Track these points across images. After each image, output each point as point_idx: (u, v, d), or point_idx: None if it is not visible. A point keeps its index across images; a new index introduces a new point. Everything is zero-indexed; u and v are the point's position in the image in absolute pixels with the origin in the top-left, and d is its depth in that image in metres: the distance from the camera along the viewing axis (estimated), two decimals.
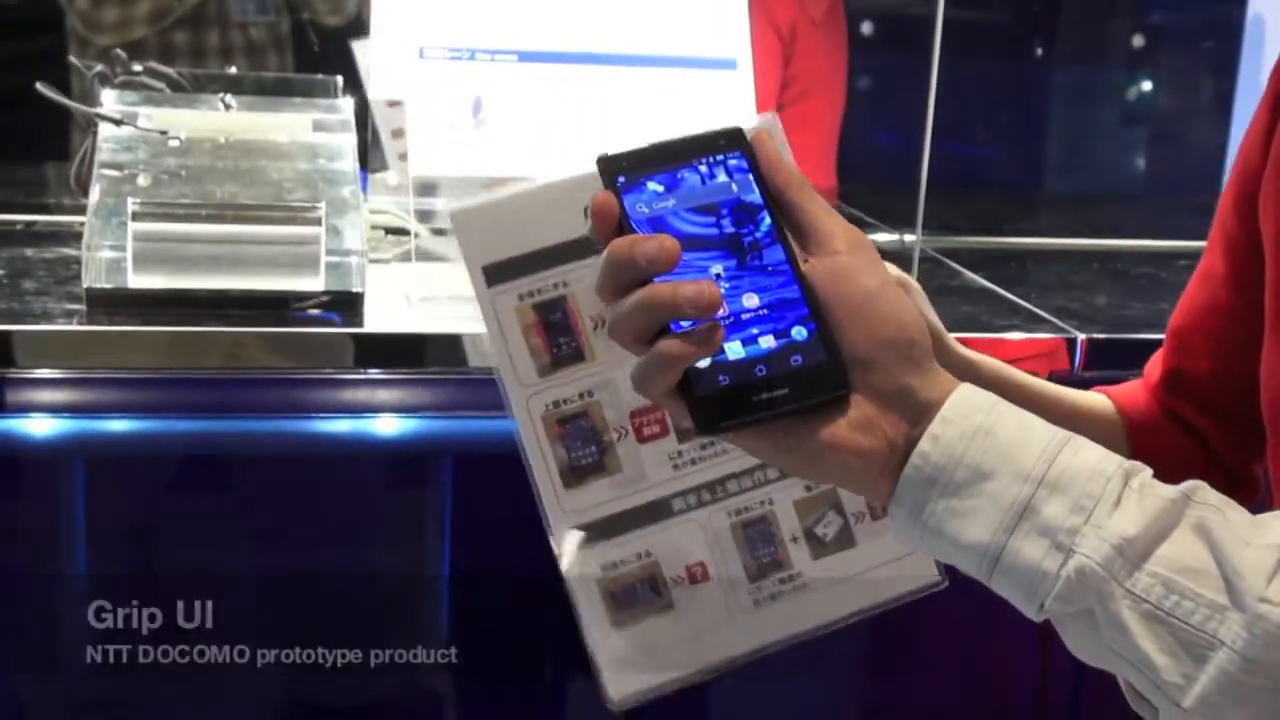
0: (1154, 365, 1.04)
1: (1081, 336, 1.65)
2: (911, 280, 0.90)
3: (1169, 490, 0.72)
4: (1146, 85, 3.14)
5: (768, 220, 0.77)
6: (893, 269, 0.90)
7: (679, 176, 0.76)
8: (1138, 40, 3.16)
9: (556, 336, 0.88)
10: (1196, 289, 1.02)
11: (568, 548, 0.88)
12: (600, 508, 0.89)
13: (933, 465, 0.72)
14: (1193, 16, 3.25)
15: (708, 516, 0.90)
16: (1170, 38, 3.21)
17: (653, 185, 0.76)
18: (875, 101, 2.75)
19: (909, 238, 2.02)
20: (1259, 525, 0.71)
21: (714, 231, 0.76)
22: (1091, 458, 0.72)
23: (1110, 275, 2.05)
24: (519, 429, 0.88)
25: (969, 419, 0.73)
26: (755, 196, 0.77)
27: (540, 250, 0.88)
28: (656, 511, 0.89)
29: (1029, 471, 0.72)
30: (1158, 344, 1.68)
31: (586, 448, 0.89)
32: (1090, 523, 0.70)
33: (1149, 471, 0.73)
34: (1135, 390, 1.04)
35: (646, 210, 0.75)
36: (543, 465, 0.89)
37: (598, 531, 0.89)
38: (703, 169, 0.77)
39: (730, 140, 0.78)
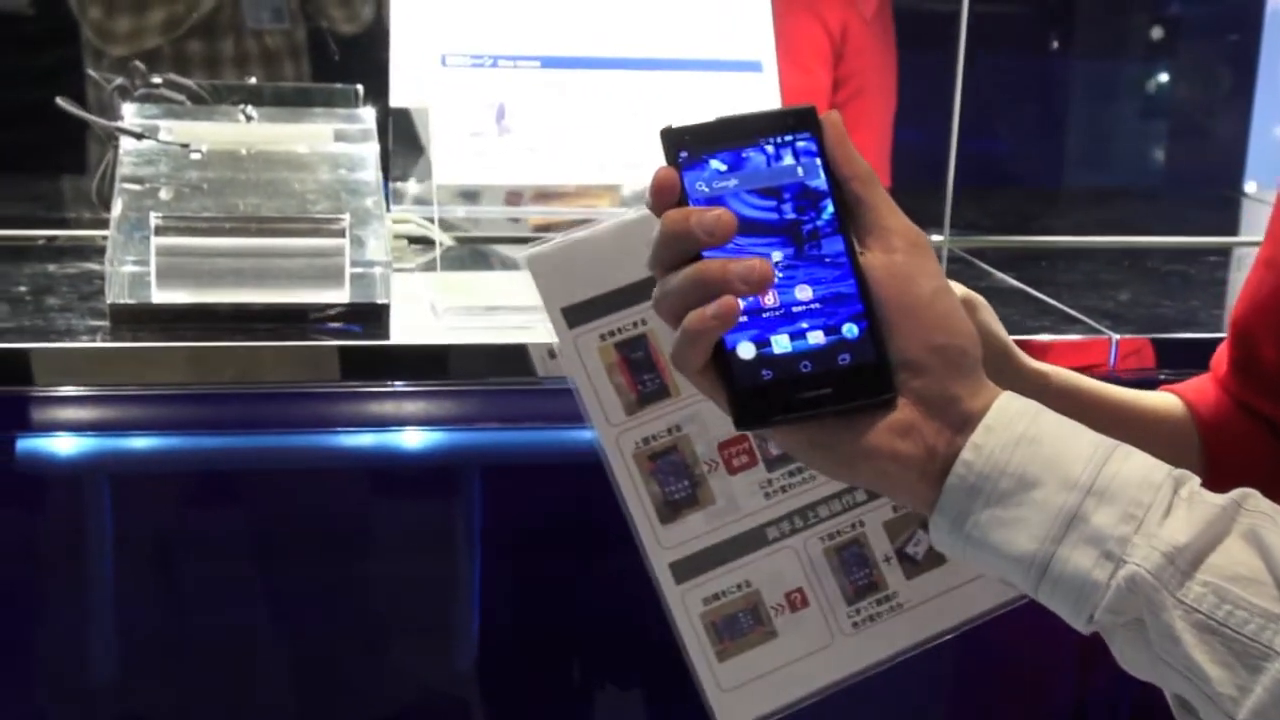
0: (1220, 357, 1.03)
1: (1117, 337, 1.63)
2: (977, 296, 0.89)
3: (1219, 498, 0.71)
4: (1165, 78, 3.12)
5: (831, 209, 0.75)
6: (958, 286, 0.89)
7: (743, 155, 0.75)
8: (1156, 33, 3.15)
9: (640, 374, 0.89)
10: (1260, 278, 1.00)
11: (669, 583, 0.89)
12: (697, 540, 0.89)
13: (976, 474, 0.71)
14: (1212, 8, 3.23)
15: (802, 543, 0.90)
16: (1189, 30, 3.19)
17: (715, 163, 0.74)
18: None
19: (936, 238, 2.01)
20: None
21: (774, 216, 0.74)
22: (1140, 465, 0.71)
23: (1140, 273, 2.03)
24: (612, 468, 0.89)
25: (1012, 427, 0.71)
26: (820, 182, 0.75)
27: (618, 289, 0.88)
28: (752, 541, 0.90)
29: (1076, 479, 0.70)
30: (1193, 342, 1.68)
31: (679, 482, 0.89)
32: (1141, 531, 0.69)
33: (1197, 480, 0.72)
34: (1203, 385, 1.03)
35: (707, 189, 0.74)
36: (638, 502, 0.89)
37: (697, 565, 0.89)
38: (769, 149, 0.75)
39: (800, 120, 0.76)
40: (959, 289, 0.88)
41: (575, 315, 0.88)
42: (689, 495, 0.89)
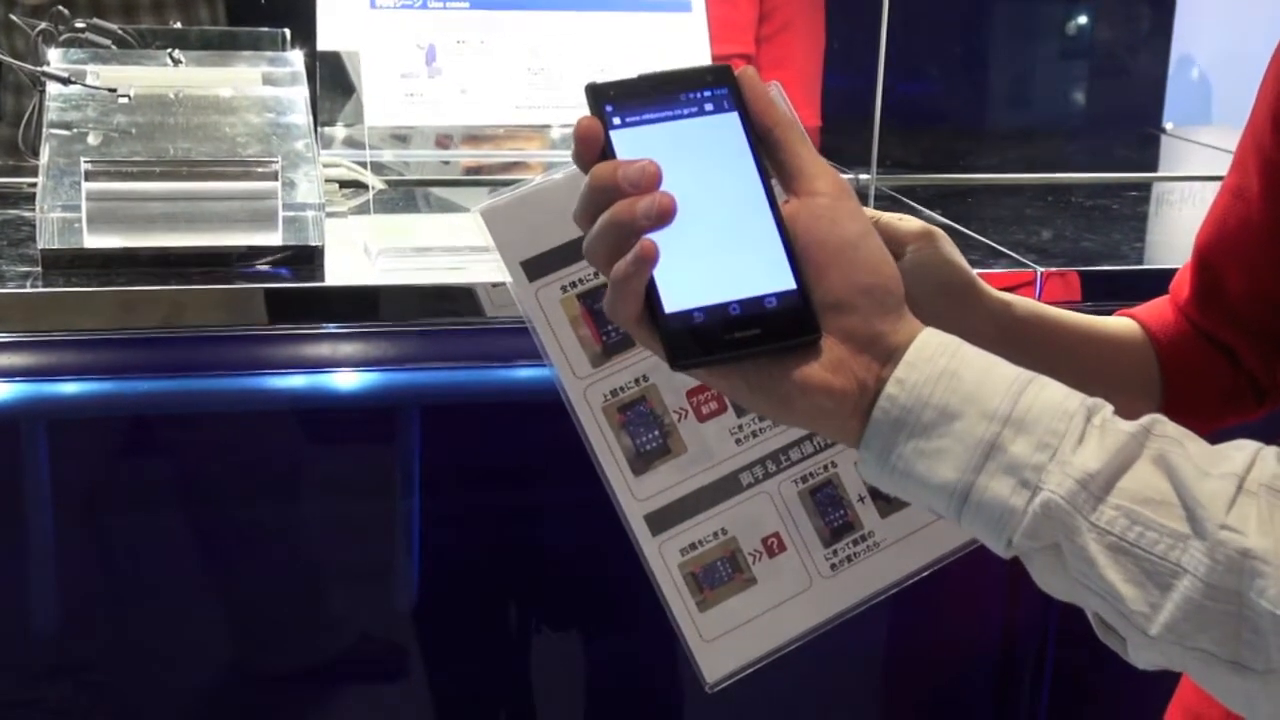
0: (1181, 283, 1.04)
1: (1042, 270, 1.66)
2: (937, 229, 0.91)
3: (1129, 425, 0.73)
4: (1086, 19, 3.15)
5: (751, 158, 0.77)
6: (915, 221, 0.91)
7: (665, 110, 0.77)
8: None
9: (605, 324, 0.88)
10: (1226, 206, 1.01)
11: (645, 535, 0.88)
12: (671, 490, 0.89)
13: (900, 408, 0.73)
14: None
15: (776, 487, 0.90)
16: None
17: (638, 118, 0.76)
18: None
19: (864, 176, 2.03)
20: (1218, 455, 0.72)
21: (697, 169, 0.76)
22: (1055, 396, 0.73)
23: (1064, 208, 2.06)
24: (581, 423, 0.88)
25: (934, 362, 0.74)
26: (740, 135, 0.77)
27: (576, 239, 0.85)
28: (726, 488, 0.89)
29: (994, 411, 0.72)
30: (1116, 274, 1.71)
31: (650, 432, 0.88)
32: (1056, 459, 0.71)
33: (1110, 408, 0.74)
34: (1162, 309, 1.04)
35: (630, 143, 0.76)
36: (609, 455, 0.88)
37: (672, 515, 0.88)
38: (690, 104, 0.77)
39: (718, 76, 0.78)
40: (917, 223, 0.91)
41: (534, 268, 0.87)
42: (660, 445, 0.88)
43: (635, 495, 0.88)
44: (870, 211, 0.89)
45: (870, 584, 0.90)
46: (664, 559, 0.88)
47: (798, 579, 0.90)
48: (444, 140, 1.82)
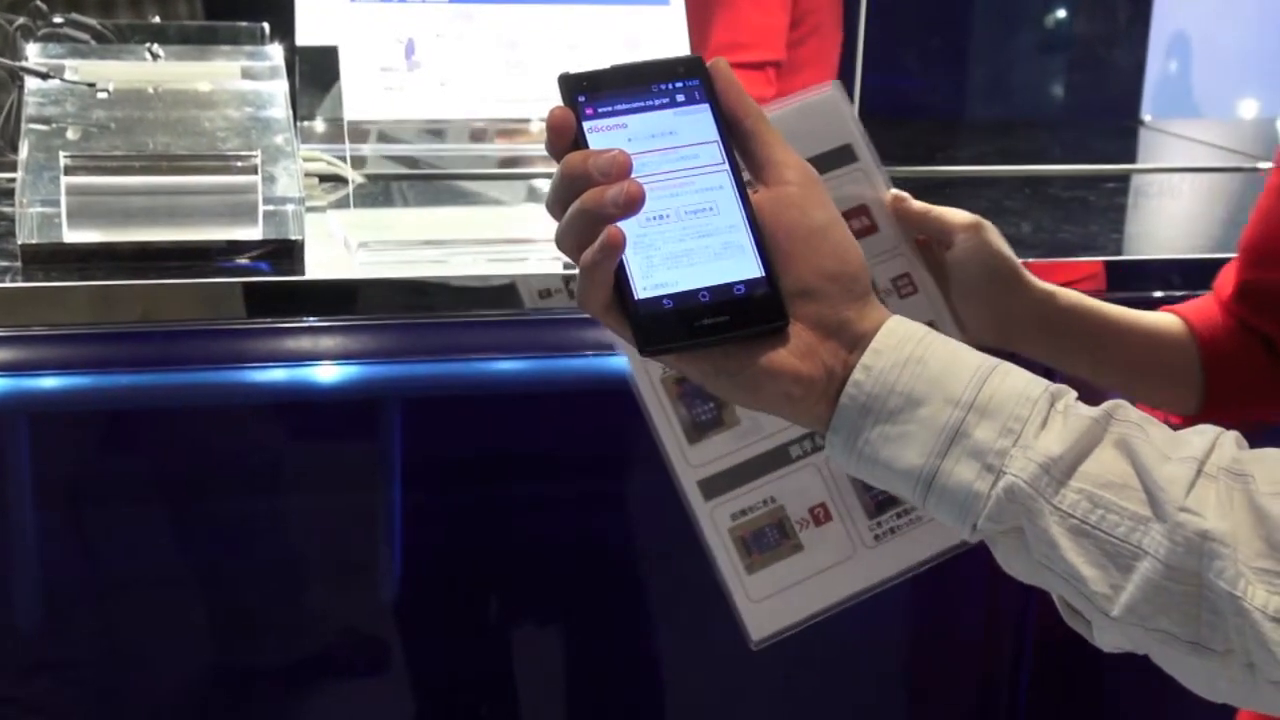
0: (1226, 280, 1.08)
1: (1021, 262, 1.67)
2: (984, 220, 0.94)
3: (1092, 410, 0.74)
4: (1064, 12, 3.16)
5: (720, 148, 0.78)
6: (963, 213, 0.95)
7: (637, 101, 0.78)
8: None
9: None
10: (1271, 205, 1.05)
11: (698, 499, 0.93)
12: (724, 459, 0.94)
13: (866, 394, 0.75)
14: None
15: (824, 460, 0.94)
16: None
17: (610, 108, 0.78)
18: None
19: None
20: (1178, 440, 0.74)
21: (667, 158, 0.78)
22: (1019, 382, 0.75)
23: (1042, 200, 2.07)
24: (641, 394, 0.93)
25: (900, 349, 0.75)
26: (710, 125, 0.79)
27: None
28: (776, 459, 0.94)
29: (959, 397, 0.74)
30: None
31: (705, 404, 0.94)
32: (1019, 444, 0.73)
33: (1073, 395, 0.75)
34: (1206, 305, 1.08)
35: (602, 133, 0.77)
36: (666, 424, 0.94)
37: (724, 482, 0.94)
38: (661, 95, 0.79)
39: (689, 67, 0.80)
40: (966, 214, 0.95)
41: None
42: (714, 417, 0.94)
43: (690, 462, 0.94)
44: (922, 204, 0.94)
45: (911, 555, 0.95)
46: (715, 523, 0.93)
47: (842, 547, 0.95)
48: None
